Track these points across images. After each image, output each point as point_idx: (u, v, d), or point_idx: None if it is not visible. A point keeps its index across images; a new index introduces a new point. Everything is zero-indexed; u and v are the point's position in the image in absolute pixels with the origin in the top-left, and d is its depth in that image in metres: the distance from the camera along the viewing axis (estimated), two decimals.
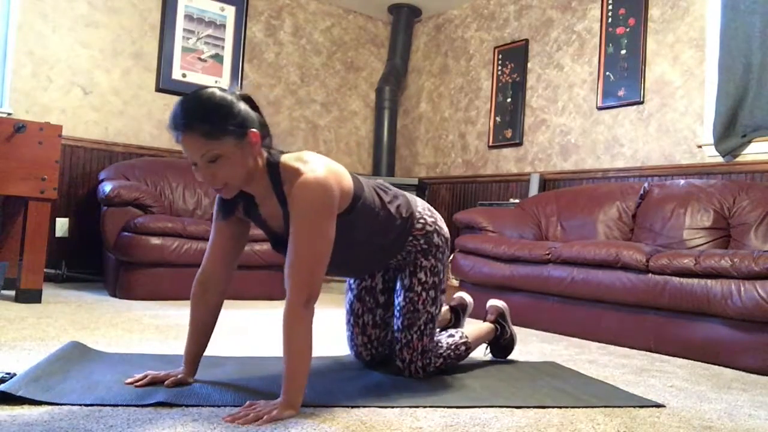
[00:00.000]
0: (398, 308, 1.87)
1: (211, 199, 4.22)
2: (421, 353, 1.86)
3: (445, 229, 1.93)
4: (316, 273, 1.47)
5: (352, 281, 2.00)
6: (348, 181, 1.61)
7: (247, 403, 1.42)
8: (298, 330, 1.45)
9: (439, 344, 1.95)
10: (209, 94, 1.44)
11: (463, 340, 2.02)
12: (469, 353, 2.06)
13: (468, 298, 2.44)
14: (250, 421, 1.33)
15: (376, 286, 1.96)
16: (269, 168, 1.53)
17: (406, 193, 1.88)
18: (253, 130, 1.47)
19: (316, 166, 1.51)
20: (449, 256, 1.94)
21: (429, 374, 1.89)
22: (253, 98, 1.54)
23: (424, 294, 1.85)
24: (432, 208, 1.94)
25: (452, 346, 1.97)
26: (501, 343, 2.27)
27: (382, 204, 1.73)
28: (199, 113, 1.41)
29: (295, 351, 1.44)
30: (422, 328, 1.85)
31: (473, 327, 2.17)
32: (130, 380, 1.58)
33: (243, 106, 1.47)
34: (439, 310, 1.90)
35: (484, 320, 2.28)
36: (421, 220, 1.84)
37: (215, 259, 1.66)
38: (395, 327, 1.89)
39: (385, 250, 1.80)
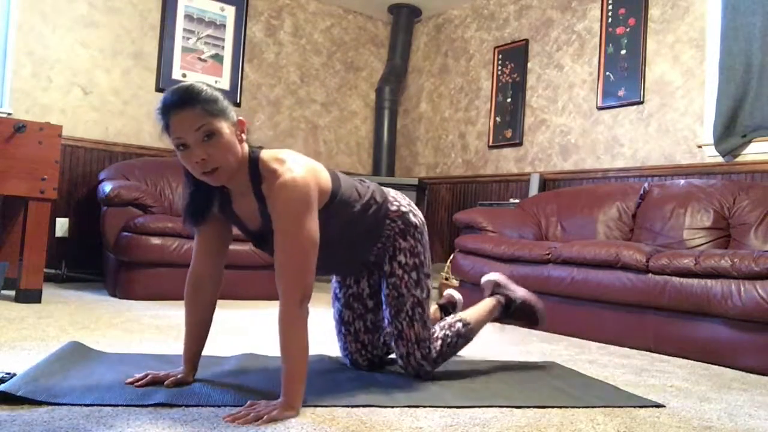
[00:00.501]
0: (384, 299, 1.85)
1: None
2: (416, 342, 1.81)
3: (420, 213, 1.92)
4: (306, 272, 1.49)
5: (338, 290, 1.98)
6: (326, 178, 1.64)
7: (248, 403, 1.42)
8: (294, 331, 1.45)
9: (433, 330, 1.89)
10: (200, 84, 1.50)
11: (456, 319, 1.95)
12: (470, 330, 1.96)
13: (457, 295, 2.40)
14: (251, 421, 1.33)
15: (363, 292, 1.95)
16: (249, 163, 1.55)
17: (377, 184, 1.89)
18: (240, 118, 1.54)
19: (294, 165, 1.52)
20: (428, 239, 1.93)
21: (433, 363, 1.84)
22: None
23: (405, 276, 1.82)
24: (405, 196, 1.94)
25: (446, 326, 1.91)
26: (516, 312, 2.17)
27: (358, 195, 1.76)
28: (200, 93, 1.46)
29: (293, 352, 1.45)
30: (410, 313, 1.80)
31: (470, 308, 2.08)
32: (130, 380, 1.58)
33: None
34: (427, 296, 1.85)
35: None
36: (395, 203, 1.86)
37: (202, 259, 1.67)
38: (385, 321, 1.86)
39: (365, 237, 1.80)
